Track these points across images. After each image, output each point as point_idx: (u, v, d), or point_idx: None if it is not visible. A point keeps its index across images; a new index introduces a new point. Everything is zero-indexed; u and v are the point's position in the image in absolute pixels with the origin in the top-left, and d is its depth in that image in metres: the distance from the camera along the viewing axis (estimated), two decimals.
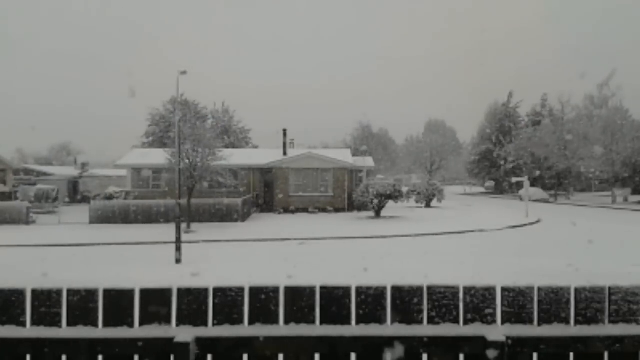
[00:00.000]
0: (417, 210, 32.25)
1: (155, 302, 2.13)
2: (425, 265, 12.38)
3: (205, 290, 2.16)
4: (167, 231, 18.10)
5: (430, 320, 2.14)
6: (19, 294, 2.13)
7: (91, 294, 2.13)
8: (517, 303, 2.15)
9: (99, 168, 56.53)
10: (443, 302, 2.15)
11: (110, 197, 29.40)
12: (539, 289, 2.16)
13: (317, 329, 2.09)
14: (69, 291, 2.14)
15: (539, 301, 2.15)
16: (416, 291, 2.16)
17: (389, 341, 2.03)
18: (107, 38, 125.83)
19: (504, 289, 2.16)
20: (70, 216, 27.52)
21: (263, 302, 2.14)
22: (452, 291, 2.15)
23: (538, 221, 24.48)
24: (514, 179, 38.53)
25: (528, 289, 2.16)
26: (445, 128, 75.08)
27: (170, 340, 1.98)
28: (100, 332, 2.08)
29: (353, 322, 2.14)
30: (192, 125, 23.53)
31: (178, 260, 13.18)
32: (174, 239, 13.85)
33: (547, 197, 46.12)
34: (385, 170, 75.40)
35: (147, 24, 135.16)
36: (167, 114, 52.33)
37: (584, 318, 2.14)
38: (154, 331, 2.07)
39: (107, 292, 2.14)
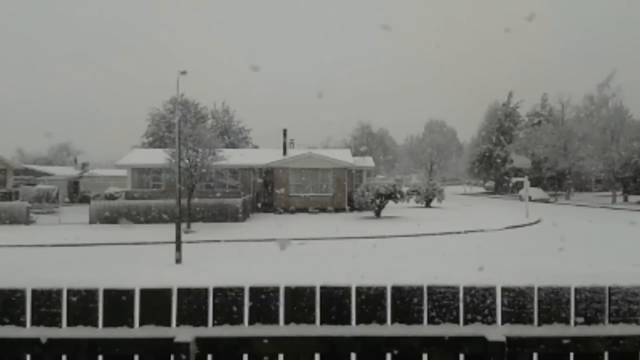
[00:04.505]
0: (417, 211, 32.24)
1: (155, 302, 2.13)
2: (425, 265, 12.38)
3: (205, 290, 2.16)
4: (167, 231, 18.10)
5: (430, 320, 2.14)
6: (19, 294, 2.13)
7: (91, 294, 2.13)
8: (517, 303, 2.15)
9: (99, 168, 56.47)
10: (443, 302, 2.14)
11: (110, 197, 29.39)
12: (539, 289, 2.16)
13: (317, 329, 2.09)
14: (69, 291, 2.14)
15: (539, 301, 2.15)
16: (416, 291, 2.16)
17: (389, 341, 2.03)
18: (108, 38, 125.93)
19: (504, 289, 2.16)
20: (70, 216, 27.51)
21: (263, 302, 2.14)
22: (452, 291, 2.15)
23: (538, 221, 24.47)
24: (514, 179, 38.48)
25: (528, 289, 2.16)
26: (445, 128, 74.95)
27: (170, 340, 1.98)
28: (100, 332, 2.08)
29: (353, 322, 2.14)
30: (192, 125, 23.55)
31: (178, 260, 13.18)
32: (174, 239, 13.85)
33: (547, 197, 46.10)
34: (385, 170, 75.41)
35: (148, 25, 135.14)
36: (167, 114, 52.36)
37: (584, 318, 2.14)
38: (154, 331, 2.07)
39: (107, 292, 2.14)
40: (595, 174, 43.05)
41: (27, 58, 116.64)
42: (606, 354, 2.09)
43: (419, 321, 2.14)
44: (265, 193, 33.19)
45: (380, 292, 2.15)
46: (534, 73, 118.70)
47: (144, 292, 2.14)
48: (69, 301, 2.13)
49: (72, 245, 17.41)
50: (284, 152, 35.21)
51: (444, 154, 65.72)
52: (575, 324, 2.14)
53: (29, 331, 2.09)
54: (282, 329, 2.10)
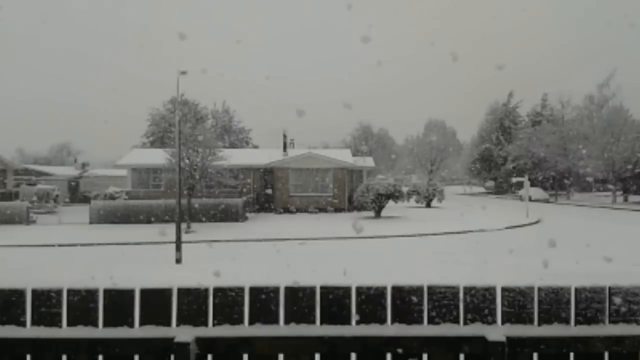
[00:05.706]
0: (417, 211, 32.24)
1: (155, 302, 2.13)
2: (425, 265, 12.38)
3: (205, 290, 2.16)
4: (167, 231, 18.09)
5: (431, 320, 2.14)
6: (19, 294, 2.13)
7: (91, 294, 2.13)
8: (517, 303, 2.14)
9: (99, 168, 56.50)
10: (443, 302, 2.14)
11: (110, 197, 29.39)
12: (539, 289, 2.16)
13: (317, 329, 2.09)
14: (69, 291, 2.14)
15: (539, 301, 2.15)
16: (416, 291, 2.16)
17: (389, 341, 2.02)
18: (108, 38, 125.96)
19: (504, 289, 2.16)
20: (71, 216, 27.51)
21: (263, 302, 2.14)
22: (452, 291, 2.15)
23: (538, 221, 24.47)
24: (514, 179, 38.52)
25: (528, 289, 2.16)
26: (445, 128, 74.85)
27: (170, 340, 1.98)
28: (100, 332, 2.08)
29: (353, 322, 2.14)
30: (192, 125, 23.56)
31: (178, 260, 13.18)
32: (174, 239, 13.85)
33: (547, 197, 46.09)
34: (385, 170, 75.32)
35: (148, 24, 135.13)
36: (167, 113, 52.39)
37: (584, 318, 2.14)
38: (154, 331, 2.07)
39: (107, 292, 2.14)
40: (595, 174, 43.00)
41: (27, 57, 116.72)
42: (606, 354, 2.08)
43: (419, 321, 2.14)
44: (265, 193, 33.18)
45: (380, 292, 2.15)
46: (535, 73, 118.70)
47: (144, 292, 2.14)
48: (69, 301, 2.13)
49: (72, 245, 17.41)
50: (284, 152, 35.21)
51: (444, 154, 65.68)
52: (576, 324, 2.14)
53: (29, 331, 2.09)
54: (282, 329, 2.10)
